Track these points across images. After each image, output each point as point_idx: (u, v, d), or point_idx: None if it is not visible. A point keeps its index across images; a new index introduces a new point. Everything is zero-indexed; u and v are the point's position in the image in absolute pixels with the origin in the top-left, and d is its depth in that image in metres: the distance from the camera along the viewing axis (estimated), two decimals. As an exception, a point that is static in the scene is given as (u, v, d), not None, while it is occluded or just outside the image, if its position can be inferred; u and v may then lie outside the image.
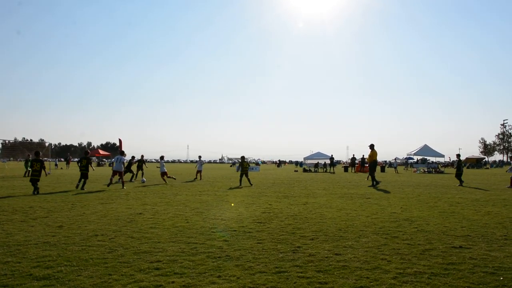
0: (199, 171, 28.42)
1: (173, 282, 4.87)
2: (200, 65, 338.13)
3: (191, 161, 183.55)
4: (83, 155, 19.68)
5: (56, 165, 59.97)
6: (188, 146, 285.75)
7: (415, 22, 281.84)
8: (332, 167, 49.41)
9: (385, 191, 17.84)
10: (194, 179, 27.75)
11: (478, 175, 37.77)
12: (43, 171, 16.92)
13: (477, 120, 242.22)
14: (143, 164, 27.19)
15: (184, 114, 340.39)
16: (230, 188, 19.34)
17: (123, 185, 19.16)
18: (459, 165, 22.82)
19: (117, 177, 20.03)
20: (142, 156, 28.18)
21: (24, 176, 28.85)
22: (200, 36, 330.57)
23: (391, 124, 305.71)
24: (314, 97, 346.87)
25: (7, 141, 64.70)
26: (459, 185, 21.42)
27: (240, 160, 24.00)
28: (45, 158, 41.55)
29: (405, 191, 18.18)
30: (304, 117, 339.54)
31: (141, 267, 5.46)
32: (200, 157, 29.41)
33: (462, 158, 24.34)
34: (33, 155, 19.28)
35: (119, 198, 14.14)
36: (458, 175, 22.29)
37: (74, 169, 45.93)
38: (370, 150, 22.11)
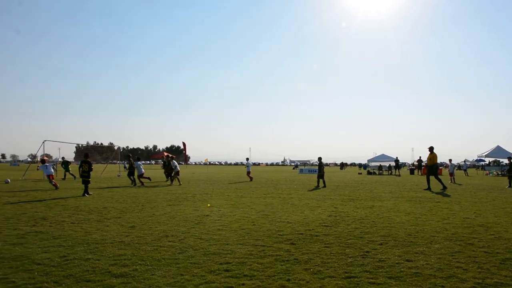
0: (249, 172, 29.99)
1: (243, 284, 4.93)
2: (262, 67, 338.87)
3: (254, 164, 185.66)
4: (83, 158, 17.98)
5: (125, 167, 62.46)
6: (250, 148, 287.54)
7: (487, 16, 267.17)
8: (397, 170, 48.01)
9: (445, 195, 17.04)
10: (251, 180, 29.12)
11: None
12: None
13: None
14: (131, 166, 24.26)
15: (246, 117, 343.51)
16: (296, 190, 19.31)
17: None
18: (511, 168, 24.54)
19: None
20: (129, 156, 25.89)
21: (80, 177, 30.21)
22: (263, 38, 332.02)
23: (460, 124, 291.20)
24: (376, 98, 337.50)
25: (80, 145, 68.64)
26: (508, 187, 22.83)
27: (318, 162, 24.51)
28: (115, 161, 43.63)
29: (478, 195, 17.29)
30: (367, 118, 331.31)
31: (211, 268, 5.57)
32: (247, 159, 31.80)
33: None
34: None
35: (186, 200, 14.52)
36: (510, 177, 24.01)
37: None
38: (430, 152, 21.29)
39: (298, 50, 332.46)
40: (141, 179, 23.56)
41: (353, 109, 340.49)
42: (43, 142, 30.29)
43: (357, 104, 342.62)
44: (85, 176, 16.68)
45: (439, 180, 20.77)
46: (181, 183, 24.33)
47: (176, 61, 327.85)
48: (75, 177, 28.37)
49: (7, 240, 7.42)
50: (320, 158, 24.52)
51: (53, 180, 20.05)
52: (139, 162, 24.28)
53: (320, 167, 23.73)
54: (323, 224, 9.30)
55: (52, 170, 21.01)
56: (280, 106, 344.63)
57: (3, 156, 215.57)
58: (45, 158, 27.50)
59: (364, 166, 72.99)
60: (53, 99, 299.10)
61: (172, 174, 24.93)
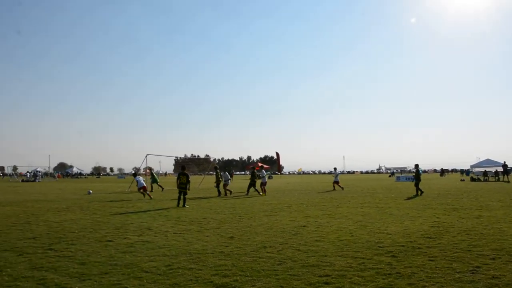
0: (336, 182, 28.79)
1: (344, 298, 4.83)
2: (353, 73, 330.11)
3: (348, 172, 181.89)
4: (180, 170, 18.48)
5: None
6: (344, 157, 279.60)
7: None
8: (505, 175, 44.27)
9: None
10: (333, 190, 28.37)
11: None
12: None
13: None
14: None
15: (339, 125, 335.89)
16: (393, 199, 18.61)
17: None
18: None
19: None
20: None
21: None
22: (353, 45, 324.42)
23: None
24: (475, 98, 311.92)
25: (179, 158, 72.44)
26: None
27: (415, 169, 23.84)
28: (211, 172, 45.36)
29: None
30: (467, 121, 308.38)
31: (311, 280, 5.52)
32: (335, 168, 30.51)
33: None
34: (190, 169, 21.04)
35: (282, 211, 14.62)
36: None
37: (236, 181, 48.76)
38: None
39: (388, 52, 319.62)
40: (226, 189, 24.22)
41: (451, 112, 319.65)
42: (146, 156, 32.24)
43: (456, 106, 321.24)
44: (183, 188, 17.25)
45: None
46: (263, 193, 24.29)
47: (266, 68, 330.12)
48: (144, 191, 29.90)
49: (118, 248, 7.99)
50: (417, 165, 23.69)
51: (145, 192, 21.50)
52: (226, 173, 25.25)
53: (417, 174, 22.95)
54: (426, 236, 8.85)
55: (144, 182, 22.26)
56: (373, 112, 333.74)
57: (111, 169, 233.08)
58: (147, 170, 29.09)
59: (467, 172, 68.59)
60: (138, 109, 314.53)
61: (260, 186, 25.11)
